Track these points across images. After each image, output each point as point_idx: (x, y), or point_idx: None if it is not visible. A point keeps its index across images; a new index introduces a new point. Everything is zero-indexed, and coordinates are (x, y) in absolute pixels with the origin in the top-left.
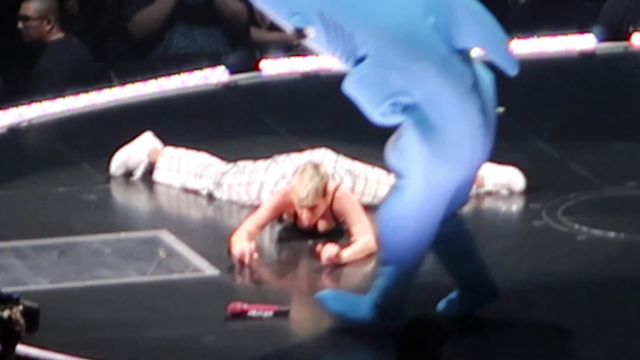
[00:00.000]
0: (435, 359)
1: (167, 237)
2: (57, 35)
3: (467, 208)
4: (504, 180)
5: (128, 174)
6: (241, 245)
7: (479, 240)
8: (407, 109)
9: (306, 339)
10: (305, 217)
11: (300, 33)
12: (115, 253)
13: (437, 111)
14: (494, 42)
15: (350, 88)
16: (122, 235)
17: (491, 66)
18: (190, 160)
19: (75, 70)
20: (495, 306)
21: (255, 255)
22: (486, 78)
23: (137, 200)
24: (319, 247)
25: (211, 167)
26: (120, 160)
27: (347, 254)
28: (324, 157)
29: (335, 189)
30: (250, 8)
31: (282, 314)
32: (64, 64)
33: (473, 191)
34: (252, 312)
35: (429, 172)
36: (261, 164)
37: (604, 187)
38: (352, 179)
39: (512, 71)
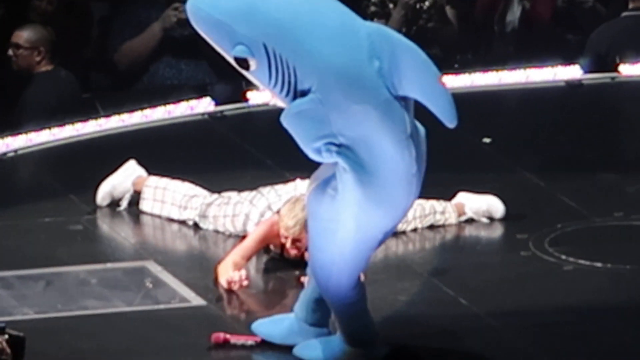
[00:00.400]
0: None
1: (154, 268)
2: (46, 67)
3: (454, 237)
4: (484, 207)
5: (114, 204)
6: (228, 274)
7: (466, 270)
8: (343, 149)
9: None
10: (289, 247)
11: (241, 64)
12: (102, 283)
13: (374, 155)
14: (434, 95)
15: (287, 121)
16: (109, 265)
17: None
18: (175, 191)
19: (62, 102)
20: (483, 336)
21: (245, 283)
22: (421, 130)
23: (123, 231)
24: (303, 278)
25: (195, 198)
26: (105, 190)
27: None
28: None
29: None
30: None
31: (264, 343)
32: (51, 97)
33: (454, 220)
34: (235, 341)
35: (362, 216)
36: (246, 195)
37: (591, 218)
38: None
39: (450, 124)
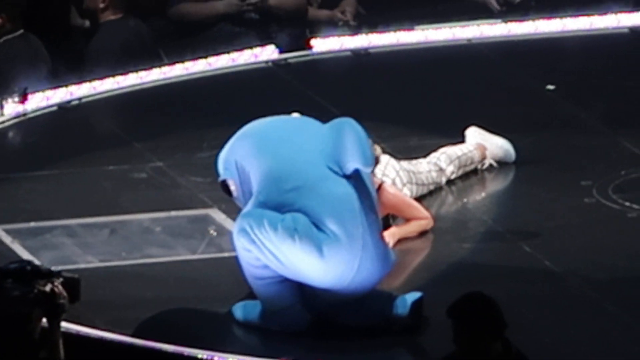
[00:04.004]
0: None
1: (218, 216)
2: (115, 15)
3: (516, 183)
4: (500, 154)
5: None
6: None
7: (529, 217)
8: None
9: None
10: None
11: (226, 187)
12: (166, 231)
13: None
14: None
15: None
16: (173, 213)
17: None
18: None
19: (131, 51)
20: (549, 283)
21: None
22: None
23: (187, 179)
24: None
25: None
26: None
27: (399, 233)
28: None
29: (380, 186)
30: None
31: None
32: (114, 46)
33: (478, 166)
34: None
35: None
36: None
37: None
38: (406, 175)
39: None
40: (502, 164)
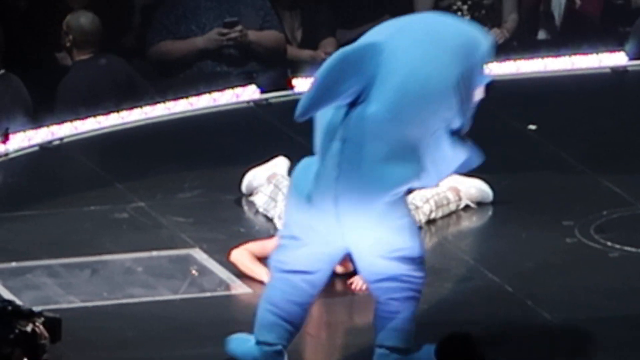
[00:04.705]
0: None
1: (199, 255)
2: (81, 56)
3: (498, 223)
4: (476, 194)
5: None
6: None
7: (511, 257)
8: None
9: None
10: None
11: None
12: (147, 271)
13: None
14: None
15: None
16: (154, 253)
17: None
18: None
19: (104, 90)
20: (530, 323)
21: None
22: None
23: (168, 219)
24: (351, 280)
25: None
26: (247, 179)
27: None
28: None
29: None
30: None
31: None
32: (80, 85)
33: (455, 206)
34: None
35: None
36: None
37: (637, 204)
38: None
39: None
40: (480, 204)
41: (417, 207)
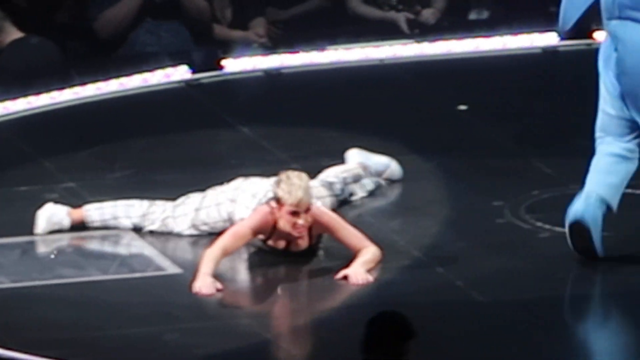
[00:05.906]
0: (399, 355)
1: (130, 236)
2: (13, 36)
3: (427, 204)
4: (384, 170)
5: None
6: (205, 281)
7: (441, 238)
8: None
9: (269, 338)
10: (301, 224)
11: None
12: (77, 252)
13: None
14: None
15: None
16: (84, 234)
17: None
18: (116, 206)
19: (35, 70)
20: (458, 303)
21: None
22: None
23: (99, 200)
24: (342, 273)
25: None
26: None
27: (364, 267)
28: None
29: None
30: (212, 5)
31: None
32: (21, 65)
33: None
34: None
35: None
36: (219, 192)
37: (567, 185)
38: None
39: None
40: (392, 182)
41: (330, 183)
